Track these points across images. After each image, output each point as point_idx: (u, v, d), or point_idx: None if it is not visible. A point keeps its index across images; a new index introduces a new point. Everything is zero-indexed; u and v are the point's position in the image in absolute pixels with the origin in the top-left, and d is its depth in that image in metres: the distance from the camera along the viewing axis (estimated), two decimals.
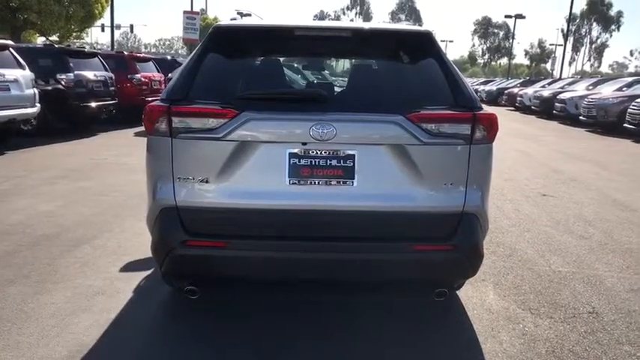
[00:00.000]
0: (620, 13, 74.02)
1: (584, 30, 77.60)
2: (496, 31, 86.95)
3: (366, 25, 2.26)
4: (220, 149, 2.08)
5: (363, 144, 2.07)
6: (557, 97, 16.48)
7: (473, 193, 2.18)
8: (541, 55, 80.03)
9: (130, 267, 3.37)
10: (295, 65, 2.68)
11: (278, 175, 2.09)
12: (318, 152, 2.07)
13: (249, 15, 45.07)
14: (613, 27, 74.09)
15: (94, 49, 14.74)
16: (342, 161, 2.08)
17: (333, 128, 2.02)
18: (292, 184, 2.08)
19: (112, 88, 10.56)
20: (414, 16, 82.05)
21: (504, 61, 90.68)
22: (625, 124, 11.30)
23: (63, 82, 9.32)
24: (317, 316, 2.74)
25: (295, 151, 2.07)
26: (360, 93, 2.24)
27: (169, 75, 12.13)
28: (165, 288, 3.02)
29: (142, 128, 11.78)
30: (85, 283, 3.09)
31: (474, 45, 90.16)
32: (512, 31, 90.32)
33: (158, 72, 12.85)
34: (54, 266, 3.33)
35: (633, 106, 11.16)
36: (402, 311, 2.82)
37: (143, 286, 3.08)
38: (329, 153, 2.07)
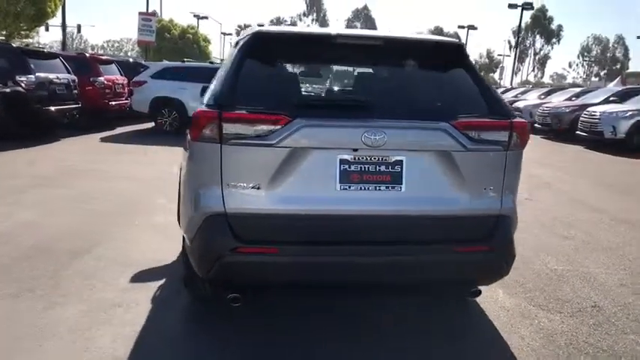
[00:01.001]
0: (560, 27, 78.75)
1: (528, 42, 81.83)
2: None
3: (402, 35, 2.34)
4: (273, 156, 2.08)
5: (411, 150, 2.14)
6: (512, 105, 17.35)
7: (507, 196, 2.31)
8: (489, 65, 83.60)
9: (140, 277, 3.27)
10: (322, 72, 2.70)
11: (329, 181, 2.12)
12: (368, 158, 2.12)
13: (206, 18, 44.48)
14: (554, 40, 78.52)
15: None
16: (390, 167, 2.14)
17: (384, 134, 2.07)
18: (343, 189, 2.12)
19: (75, 92, 10.11)
20: (369, 24, 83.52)
21: None
22: (577, 132, 12.07)
23: (23, 84, 8.82)
24: (345, 319, 2.79)
25: (346, 157, 2.11)
26: (402, 100, 2.31)
27: (136, 78, 11.80)
28: (184, 297, 2.97)
29: (109, 133, 11.33)
30: (96, 295, 2.97)
31: None
32: (462, 41, 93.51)
33: (121, 75, 12.42)
34: (57, 279, 3.17)
35: (584, 115, 11.94)
36: (422, 313, 2.92)
37: (160, 297, 3.00)
38: (378, 159, 2.13)
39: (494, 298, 3.15)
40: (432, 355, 2.51)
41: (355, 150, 2.10)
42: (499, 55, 76.82)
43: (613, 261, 3.95)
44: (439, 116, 2.17)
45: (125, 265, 3.43)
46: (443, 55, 2.39)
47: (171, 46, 37.89)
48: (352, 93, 2.34)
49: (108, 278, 3.21)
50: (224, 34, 59.40)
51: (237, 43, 2.52)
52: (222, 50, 59.74)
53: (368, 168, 2.12)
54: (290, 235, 2.12)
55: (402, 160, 2.14)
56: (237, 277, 2.19)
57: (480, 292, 2.46)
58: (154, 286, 3.14)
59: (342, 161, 2.11)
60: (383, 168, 2.13)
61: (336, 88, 2.38)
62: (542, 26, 79.44)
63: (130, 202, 5.12)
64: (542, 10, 79.16)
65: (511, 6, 34.34)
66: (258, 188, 2.10)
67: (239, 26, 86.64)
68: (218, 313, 2.82)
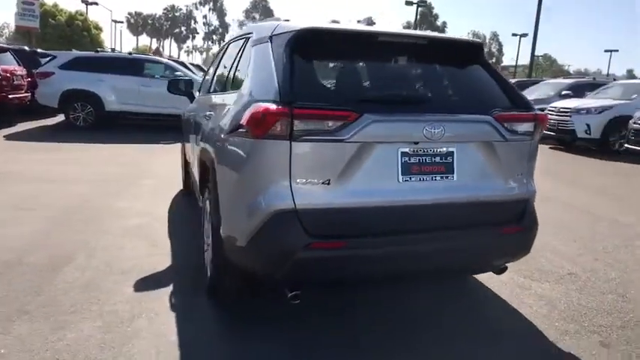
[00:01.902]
0: (444, 24, 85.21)
1: None
2: None
3: (440, 34, 2.47)
4: (343, 151, 2.09)
5: (461, 141, 2.29)
6: None
7: (531, 181, 2.57)
8: None
9: (144, 285, 3.06)
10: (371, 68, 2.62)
11: (391, 173, 2.18)
12: (425, 150, 2.23)
13: (96, 4, 40.79)
14: None
15: None
16: (443, 158, 2.26)
17: (442, 127, 2.20)
18: (405, 181, 2.20)
19: None
20: (268, 15, 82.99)
21: None
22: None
23: None
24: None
25: (406, 150, 2.19)
26: (449, 95, 2.44)
27: (41, 69, 10.60)
28: (203, 301, 2.85)
29: (11, 130, 10.12)
30: (107, 308, 2.73)
31: None
32: None
33: (19, 65, 11.05)
34: (47, 295, 2.85)
35: (549, 112, 10.85)
36: (432, 293, 3.13)
37: (177, 304, 2.83)
38: (434, 151, 2.24)
39: (489, 273, 3.45)
40: (468, 325, 2.71)
41: (416, 143, 2.20)
42: None
43: (565, 235, 4.51)
44: (481, 110, 2.34)
45: (120, 274, 3.18)
46: (471, 53, 2.57)
47: (58, 34, 34.29)
48: (405, 89, 2.42)
49: (109, 289, 2.96)
50: (115, 21, 55.18)
51: (270, 38, 2.45)
52: (113, 39, 55.50)
53: (425, 159, 2.23)
54: (358, 228, 2.16)
55: (453, 151, 2.28)
56: (310, 273, 2.18)
57: (506, 269, 2.71)
58: (164, 293, 2.96)
59: (403, 154, 2.19)
60: (438, 159, 2.26)
61: (387, 84, 2.44)
62: (429, 23, 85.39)
63: (82, 207, 4.68)
64: (429, 8, 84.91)
65: (408, 3, 36.38)
66: (328, 183, 2.10)
67: (129, 14, 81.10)
68: (244, 315, 2.76)
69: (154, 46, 73.46)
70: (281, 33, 2.41)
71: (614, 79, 15.52)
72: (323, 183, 2.09)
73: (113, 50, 15.18)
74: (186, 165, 5.04)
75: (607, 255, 3.97)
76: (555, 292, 3.21)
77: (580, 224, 4.87)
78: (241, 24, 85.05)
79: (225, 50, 3.72)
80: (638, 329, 2.75)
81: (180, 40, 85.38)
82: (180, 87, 4.49)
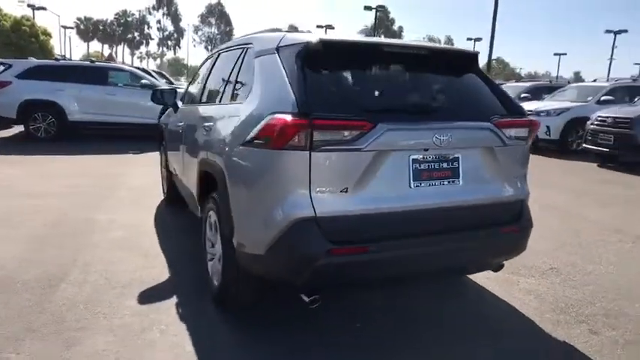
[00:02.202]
0: (401, 28, 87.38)
1: None
2: None
3: (436, 45, 2.62)
4: (360, 159, 2.19)
5: (465, 147, 2.44)
6: None
7: (525, 183, 2.76)
8: None
9: (147, 298, 3.03)
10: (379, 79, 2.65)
11: (403, 180, 2.30)
12: (434, 157, 2.36)
13: (44, 8, 39.10)
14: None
15: None
16: (450, 163, 2.41)
17: (450, 135, 2.34)
18: (416, 186, 2.32)
19: None
20: (224, 20, 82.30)
21: None
22: None
23: None
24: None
25: (417, 156, 2.32)
26: (453, 103, 2.58)
27: None
28: (209, 310, 2.87)
29: None
30: (115, 323, 2.70)
31: None
32: None
33: None
34: (51, 312, 2.78)
35: None
36: (428, 293, 3.28)
37: (185, 315, 2.83)
38: (441, 157, 2.38)
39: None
40: (467, 321, 2.86)
41: (426, 150, 2.33)
42: None
43: (540, 232, 4.77)
44: (482, 117, 2.51)
45: (121, 288, 3.14)
46: (468, 62, 2.74)
47: (3, 40, 32.58)
48: (413, 98, 2.53)
49: (112, 303, 2.92)
50: (64, 27, 53.09)
51: (277, 49, 2.52)
52: (62, 46, 53.40)
53: (434, 165, 2.36)
54: (375, 233, 2.26)
55: (458, 157, 2.42)
56: (330, 278, 2.25)
57: (503, 266, 2.89)
58: (169, 305, 2.95)
59: (414, 161, 2.32)
60: (445, 165, 2.39)
61: (396, 94, 2.55)
62: (386, 27, 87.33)
63: (62, 221, 4.55)
64: (385, 12, 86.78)
65: (367, 8, 37.08)
66: (346, 191, 2.19)
67: (79, 19, 78.22)
68: (251, 320, 2.80)
69: (106, 52, 71.06)
70: (289, 44, 2.48)
71: (569, 82, 16.46)
72: (341, 191, 2.18)
73: (63, 57, 14.58)
74: (169, 176, 4.99)
75: (582, 249, 4.25)
76: (541, 286, 3.43)
77: (552, 221, 5.18)
78: (197, 29, 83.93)
79: (216, 60, 3.74)
80: (620, 317, 2.99)
81: (134, 46, 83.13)
82: (165, 97, 4.45)
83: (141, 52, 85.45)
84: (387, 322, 2.82)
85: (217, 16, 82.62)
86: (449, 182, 2.41)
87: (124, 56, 79.31)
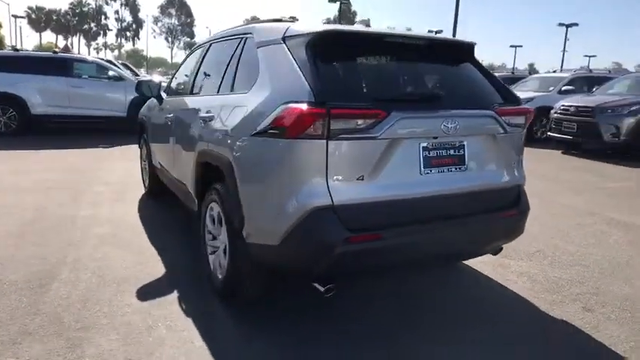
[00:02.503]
0: (364, 21, 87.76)
1: None
2: None
3: (439, 36, 2.65)
4: (375, 148, 2.20)
5: (470, 135, 2.49)
6: None
7: (521, 169, 2.84)
8: None
9: (146, 295, 2.95)
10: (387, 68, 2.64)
11: (414, 167, 2.33)
12: (441, 144, 2.40)
13: None
14: None
15: None
16: (456, 150, 2.45)
17: (457, 122, 2.38)
18: (426, 173, 2.36)
19: None
20: (185, 11, 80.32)
21: None
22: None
23: None
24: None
25: (426, 144, 2.35)
26: (457, 92, 2.61)
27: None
28: (213, 304, 2.84)
29: None
30: (117, 321, 2.62)
31: None
32: None
33: None
34: (46, 313, 2.67)
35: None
36: (424, 279, 3.35)
37: (189, 310, 2.77)
38: (448, 144, 2.42)
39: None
40: (468, 304, 2.94)
41: (435, 138, 2.36)
42: None
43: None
44: (484, 105, 2.56)
45: (117, 285, 3.05)
46: (467, 52, 2.79)
47: None
48: (421, 87, 2.56)
49: (111, 301, 2.83)
50: (15, 16, 50.42)
51: (284, 39, 2.49)
52: (13, 35, 50.74)
53: (442, 153, 2.40)
54: (388, 219, 2.28)
55: (464, 144, 2.47)
56: (348, 266, 2.26)
57: (502, 249, 2.98)
58: (171, 300, 2.89)
59: (424, 148, 2.35)
60: (452, 152, 2.44)
61: (404, 83, 2.57)
62: (348, 19, 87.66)
63: (42, 218, 4.36)
64: (348, 5, 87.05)
65: (331, 0, 37.04)
66: (362, 179, 2.20)
67: (30, 8, 74.48)
68: (256, 312, 2.78)
69: (61, 43, 67.99)
70: (296, 35, 2.45)
71: (530, 73, 17.01)
72: (357, 179, 2.19)
73: (14, 49, 13.86)
74: (152, 169, 4.86)
75: (561, 233, 4.43)
76: (532, 268, 3.56)
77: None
78: (157, 20, 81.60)
79: (207, 51, 3.65)
80: (608, 294, 3.15)
81: (90, 37, 79.94)
82: (151, 89, 4.32)
83: (97, 44, 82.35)
84: (391, 309, 2.86)
85: (177, 7, 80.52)
86: (456, 169, 2.46)
87: (79, 47, 76.16)
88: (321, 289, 2.31)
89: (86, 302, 2.81)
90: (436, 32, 51.78)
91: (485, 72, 2.83)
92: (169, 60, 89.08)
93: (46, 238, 3.83)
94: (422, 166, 2.35)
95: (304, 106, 2.10)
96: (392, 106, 2.22)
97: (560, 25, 49.40)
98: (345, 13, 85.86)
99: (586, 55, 57.75)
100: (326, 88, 2.17)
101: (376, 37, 2.49)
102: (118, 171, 6.66)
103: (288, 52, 2.41)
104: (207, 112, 2.99)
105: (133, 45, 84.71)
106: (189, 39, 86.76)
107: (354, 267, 2.30)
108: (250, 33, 2.91)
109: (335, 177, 2.16)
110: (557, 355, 2.48)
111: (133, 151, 8.50)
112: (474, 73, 2.75)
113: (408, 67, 2.64)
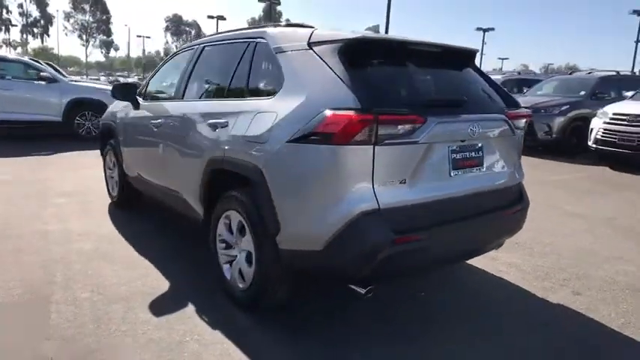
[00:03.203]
0: (288, 21, 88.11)
1: None
2: (188, 29, 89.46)
3: (455, 45, 2.79)
4: (415, 152, 2.28)
5: (487, 138, 2.66)
6: None
7: (521, 168, 3.08)
8: None
9: (161, 309, 2.82)
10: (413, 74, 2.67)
11: (444, 169, 2.45)
12: (465, 147, 2.55)
13: None
14: None
15: None
16: (475, 152, 2.61)
17: (480, 126, 2.54)
18: (454, 175, 2.49)
19: None
20: (100, 7, 75.66)
21: None
22: None
23: None
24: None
25: (454, 147, 2.48)
26: (475, 97, 2.73)
27: None
28: (236, 314, 2.78)
29: None
30: (141, 339, 2.48)
31: (167, 42, 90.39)
32: (202, 30, 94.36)
33: None
34: (59, 336, 2.47)
35: None
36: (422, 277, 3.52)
37: (211, 321, 2.69)
38: (470, 147, 2.58)
39: None
40: (471, 298, 3.13)
41: (462, 141, 2.50)
42: None
43: None
44: (497, 109, 2.76)
45: (124, 302, 2.88)
46: (473, 59, 2.97)
47: None
48: (446, 92, 2.67)
49: (124, 319, 2.68)
50: None
51: (309, 46, 2.51)
52: None
53: (465, 155, 2.55)
54: (425, 220, 2.38)
55: (482, 147, 2.64)
56: (393, 268, 2.32)
57: (503, 243, 3.20)
58: (189, 313, 2.78)
59: (453, 151, 2.48)
60: (473, 154, 2.59)
61: (432, 89, 2.66)
62: (273, 19, 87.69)
63: (9, 236, 3.98)
64: (276, 4, 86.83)
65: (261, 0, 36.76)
66: (404, 182, 2.28)
67: None
68: (282, 317, 2.78)
69: None
70: (325, 41, 2.48)
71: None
72: (400, 182, 2.27)
73: None
74: (124, 177, 4.60)
75: (533, 224, 4.80)
76: (517, 259, 3.85)
77: None
78: (68, 16, 76.21)
79: (200, 55, 3.54)
80: (589, 279, 3.49)
81: None
82: (129, 92, 4.10)
83: None
84: (396, 307, 2.96)
85: (92, 2, 75.62)
86: (476, 170, 2.62)
87: None
88: (362, 291, 2.36)
89: (98, 322, 2.64)
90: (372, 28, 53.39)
91: (487, 77, 3.04)
92: (83, 59, 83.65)
93: (26, 257, 3.52)
94: (451, 168, 2.48)
95: (353, 113, 2.14)
96: (427, 112, 2.33)
97: (479, 29, 52.94)
98: (270, 13, 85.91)
99: (500, 58, 62.31)
100: (369, 94, 2.22)
101: (401, 44, 2.59)
102: (70, 180, 6.21)
103: (319, 59, 2.43)
104: (218, 118, 2.91)
105: (42, 42, 78.45)
106: (105, 37, 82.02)
107: (395, 268, 2.38)
108: (261, 38, 2.88)
109: (380, 181, 2.22)
110: (568, 334, 2.72)
111: (77, 158, 7.98)
112: (481, 78, 2.94)
113: (430, 73, 2.76)
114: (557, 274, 3.57)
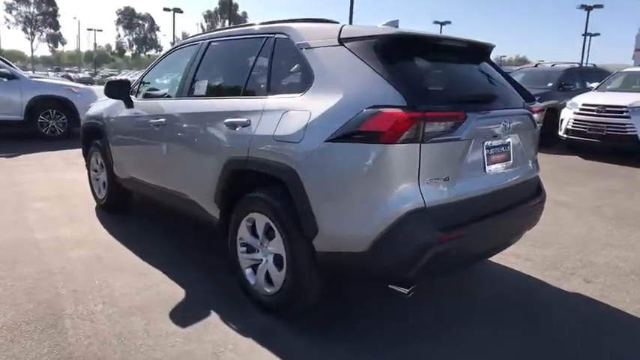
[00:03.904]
0: (245, 14, 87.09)
1: (219, 25, 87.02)
2: (141, 22, 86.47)
3: (477, 39, 2.79)
4: (457, 148, 2.26)
5: (514, 132, 2.67)
6: None
7: (537, 162, 3.13)
8: None
9: (184, 319, 2.68)
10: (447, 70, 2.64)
11: (480, 165, 2.43)
12: (497, 142, 2.55)
13: None
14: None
15: None
16: (504, 147, 2.61)
17: (511, 121, 2.55)
18: (489, 170, 2.49)
19: None
20: (49, 2, 71.86)
21: (153, 52, 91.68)
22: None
23: None
24: None
25: (488, 143, 2.47)
26: (502, 92, 2.74)
27: None
28: (265, 321, 2.69)
29: None
30: (172, 352, 2.35)
31: (119, 35, 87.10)
32: (155, 23, 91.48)
33: None
34: (84, 356, 2.31)
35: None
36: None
37: (241, 329, 2.58)
38: (500, 142, 2.58)
39: None
40: (489, 288, 3.17)
41: (495, 136, 2.50)
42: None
43: None
44: (520, 104, 2.78)
45: (141, 313, 2.73)
46: (489, 54, 2.98)
47: None
48: (478, 88, 2.65)
49: (147, 331, 2.53)
50: None
51: (340, 42, 2.44)
52: None
53: (497, 150, 2.55)
54: (468, 216, 2.36)
55: (510, 141, 2.65)
56: (438, 265, 2.29)
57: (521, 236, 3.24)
58: (214, 322, 2.66)
59: (487, 146, 2.47)
60: (502, 148, 2.60)
61: (466, 85, 2.60)
62: (229, 12, 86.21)
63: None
64: None
65: None
66: (448, 179, 2.25)
67: None
68: (316, 322, 2.72)
69: None
70: (357, 37, 2.42)
71: None
72: (444, 180, 2.25)
73: None
74: (114, 178, 4.36)
75: None
76: (523, 250, 3.92)
77: None
78: (10, 8, 71.96)
79: (205, 51, 3.37)
80: (595, 266, 3.61)
81: None
82: (123, 89, 3.87)
83: None
84: (408, 302, 2.97)
85: None
86: (505, 164, 2.64)
87: None
88: (405, 291, 2.32)
89: (120, 337, 2.48)
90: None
91: (503, 71, 3.06)
92: (28, 53, 79.35)
93: (18, 269, 3.26)
94: (486, 164, 2.48)
95: (400, 111, 2.08)
96: (466, 108, 2.31)
97: (436, 22, 54.11)
98: (227, 6, 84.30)
99: None
100: (413, 91, 2.18)
101: (434, 40, 2.56)
102: (44, 184, 5.85)
103: (354, 55, 2.36)
104: (237, 117, 2.78)
105: None
106: (52, 30, 78.13)
107: (439, 266, 2.35)
108: (283, 33, 2.77)
109: (426, 179, 2.18)
110: (590, 321, 2.79)
111: (44, 159, 7.53)
112: (498, 73, 2.95)
113: (460, 69, 2.74)
114: (565, 262, 3.67)
